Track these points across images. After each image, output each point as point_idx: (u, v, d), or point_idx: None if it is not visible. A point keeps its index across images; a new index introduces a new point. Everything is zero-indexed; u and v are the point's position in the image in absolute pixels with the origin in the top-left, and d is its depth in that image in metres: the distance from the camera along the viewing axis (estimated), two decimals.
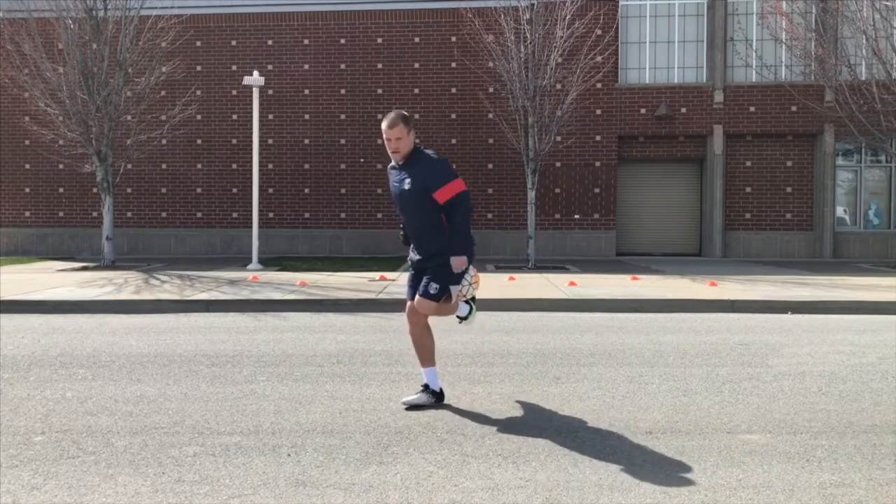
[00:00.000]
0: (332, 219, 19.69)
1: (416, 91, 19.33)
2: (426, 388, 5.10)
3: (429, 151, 5.05)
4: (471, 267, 5.16)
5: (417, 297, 5.00)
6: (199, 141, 19.66)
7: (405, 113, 4.98)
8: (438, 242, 4.95)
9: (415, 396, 5.08)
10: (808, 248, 19.08)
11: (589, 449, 4.16)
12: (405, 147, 4.92)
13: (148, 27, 15.72)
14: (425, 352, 5.11)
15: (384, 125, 4.91)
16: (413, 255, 5.14)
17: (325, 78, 19.50)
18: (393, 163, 5.12)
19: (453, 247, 4.88)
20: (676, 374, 6.05)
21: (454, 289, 5.03)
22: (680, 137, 19.19)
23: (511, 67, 15.34)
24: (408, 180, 4.92)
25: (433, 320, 5.29)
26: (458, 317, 5.29)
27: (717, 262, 17.88)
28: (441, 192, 4.85)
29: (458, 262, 4.88)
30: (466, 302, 5.24)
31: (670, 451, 4.12)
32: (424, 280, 4.99)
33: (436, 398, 5.09)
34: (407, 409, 4.98)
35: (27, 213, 20.22)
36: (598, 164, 19.09)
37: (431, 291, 4.93)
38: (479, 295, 10.70)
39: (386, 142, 4.94)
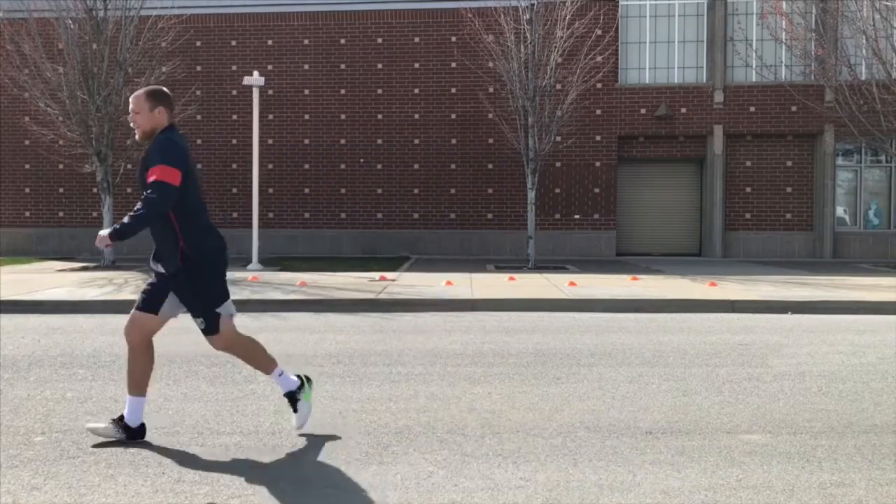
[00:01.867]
0: (331, 219, 19.69)
1: (416, 91, 19.32)
2: (121, 419, 4.22)
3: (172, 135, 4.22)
4: None
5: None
6: (199, 141, 19.65)
7: (160, 89, 4.29)
8: (168, 244, 4.17)
9: (102, 426, 4.23)
10: (808, 248, 19.07)
11: (589, 449, 4.16)
12: (144, 123, 4.19)
13: (148, 27, 15.72)
14: (136, 375, 4.26)
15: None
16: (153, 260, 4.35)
17: (325, 78, 19.49)
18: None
19: (121, 223, 4.02)
20: (676, 374, 6.05)
21: (223, 308, 4.25)
22: (680, 137, 19.19)
23: (511, 67, 15.34)
24: (141, 159, 4.25)
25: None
26: (287, 393, 4.38)
27: (717, 262, 17.88)
28: (150, 171, 4.06)
29: (100, 237, 4.12)
30: (299, 377, 4.48)
31: (670, 451, 4.12)
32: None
33: (128, 434, 4.18)
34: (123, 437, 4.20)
35: (27, 213, 20.21)
36: (598, 164, 19.09)
37: (201, 327, 4.27)
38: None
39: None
